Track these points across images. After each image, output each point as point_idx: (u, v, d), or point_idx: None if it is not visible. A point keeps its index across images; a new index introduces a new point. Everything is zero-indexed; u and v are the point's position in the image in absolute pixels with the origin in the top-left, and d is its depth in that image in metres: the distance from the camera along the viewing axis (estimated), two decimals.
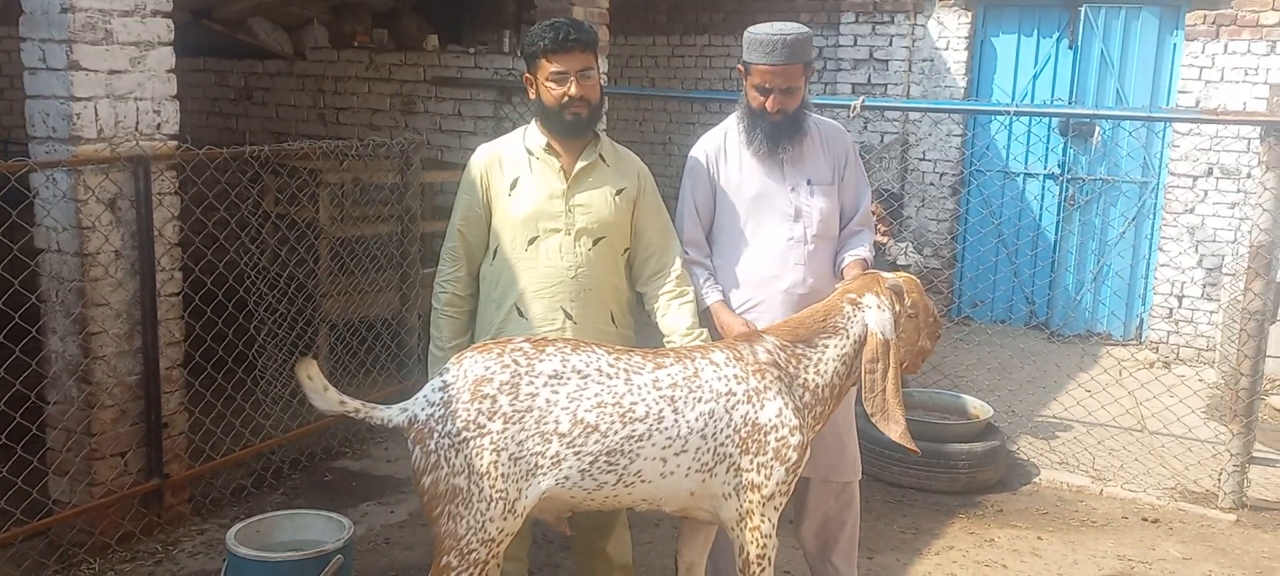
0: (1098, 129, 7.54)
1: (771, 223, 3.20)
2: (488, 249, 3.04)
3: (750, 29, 3.12)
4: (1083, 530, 4.39)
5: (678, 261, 3.07)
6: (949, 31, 7.88)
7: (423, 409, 2.56)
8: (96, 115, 3.56)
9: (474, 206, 3.01)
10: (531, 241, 2.95)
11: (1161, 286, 7.37)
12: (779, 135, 3.12)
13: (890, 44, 8.02)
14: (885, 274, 2.89)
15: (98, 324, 3.62)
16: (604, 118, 3.16)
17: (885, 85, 8.04)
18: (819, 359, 2.77)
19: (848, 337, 2.79)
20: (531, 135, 3.01)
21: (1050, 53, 7.72)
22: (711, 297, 3.28)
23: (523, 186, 2.96)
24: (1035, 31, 7.76)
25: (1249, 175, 7.03)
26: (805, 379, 2.75)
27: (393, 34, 7.01)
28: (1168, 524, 4.49)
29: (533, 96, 2.97)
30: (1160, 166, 7.46)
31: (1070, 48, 7.64)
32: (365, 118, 6.49)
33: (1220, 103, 6.98)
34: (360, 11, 7.91)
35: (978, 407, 5.15)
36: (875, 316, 2.78)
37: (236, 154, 3.95)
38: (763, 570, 2.70)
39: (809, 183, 3.21)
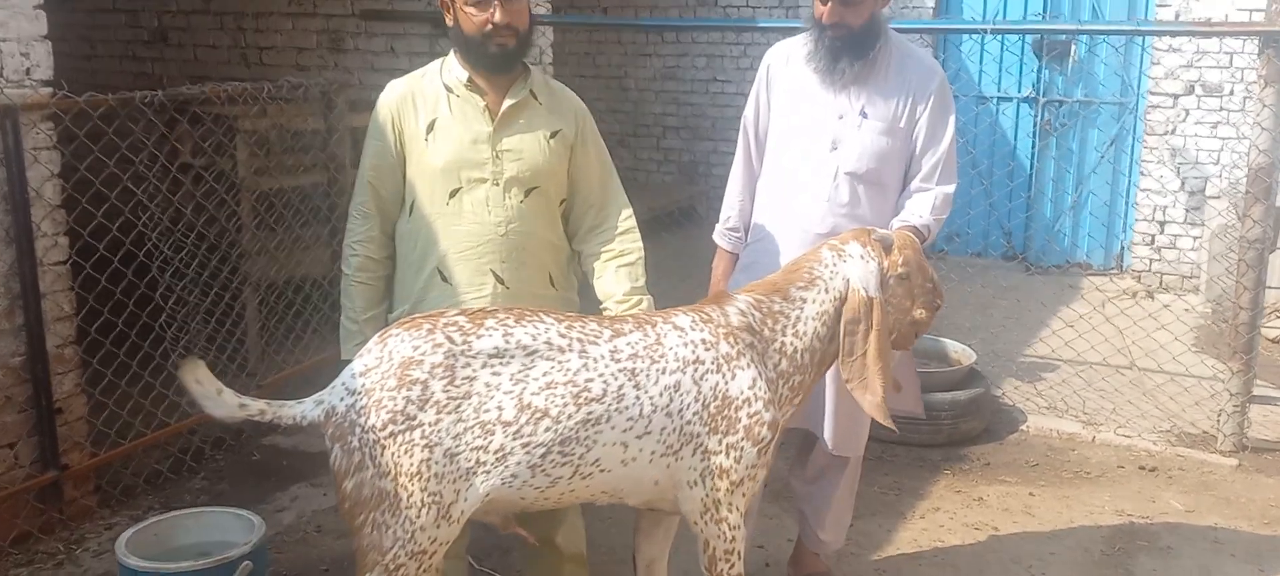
0: (1074, 48, 7.16)
1: (804, 147, 2.87)
2: (403, 204, 2.61)
3: None
4: (1077, 483, 4.09)
5: (622, 215, 2.67)
6: None
7: (341, 400, 2.15)
8: None
9: (385, 154, 2.57)
10: (453, 194, 2.53)
11: (1143, 212, 7.07)
12: (839, 52, 2.79)
13: None
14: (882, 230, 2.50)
15: None
16: (537, 48, 2.68)
17: None
18: (797, 316, 2.38)
19: (827, 292, 2.39)
20: (450, 69, 2.56)
21: None
22: (719, 237, 3.05)
23: (441, 129, 2.53)
24: None
25: (1231, 92, 6.70)
26: (782, 342, 2.36)
27: None
28: (1166, 471, 4.19)
29: (450, 23, 2.52)
30: (1139, 86, 7.11)
31: None
32: (291, 58, 5.96)
33: (1204, 16, 6.62)
34: None
35: (959, 352, 4.81)
36: (858, 268, 2.39)
37: (125, 100, 3.46)
38: (730, 567, 2.34)
39: (862, 113, 2.83)
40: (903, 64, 2.86)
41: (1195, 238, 6.91)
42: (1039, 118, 7.37)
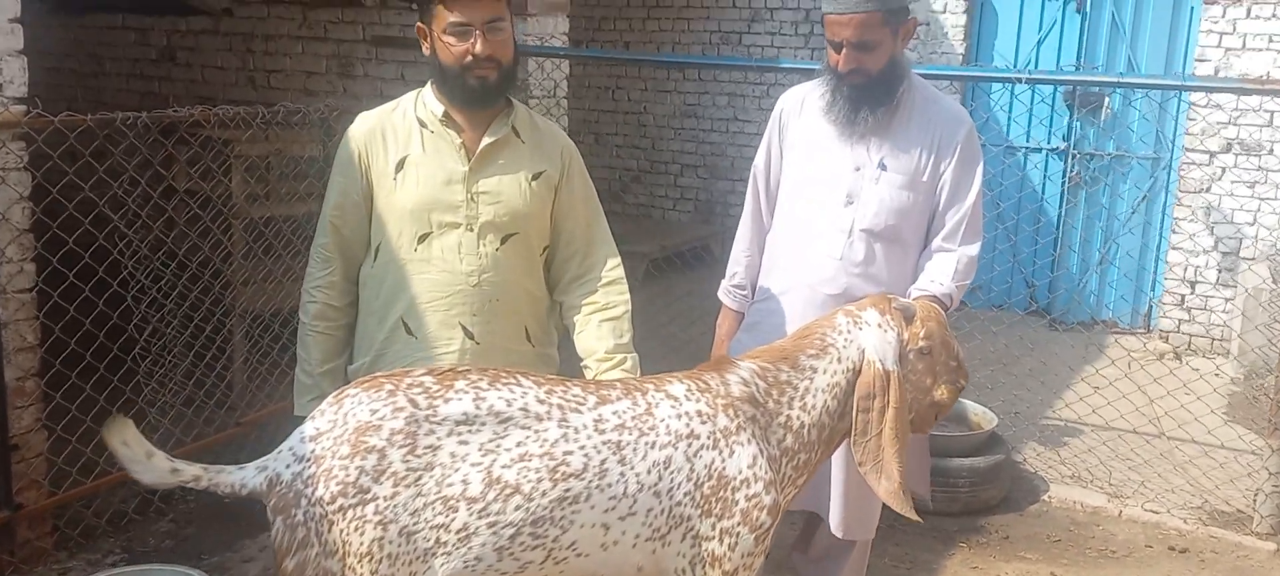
0: (1107, 100, 6.93)
1: (818, 200, 2.66)
2: (369, 247, 2.40)
3: None
4: (1102, 563, 3.82)
5: (608, 263, 2.46)
6: None
7: (287, 467, 1.93)
8: None
9: (350, 192, 2.37)
10: (423, 238, 2.33)
11: (1173, 271, 6.79)
12: (859, 102, 2.58)
13: None
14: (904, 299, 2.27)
15: None
16: (532, 78, 2.49)
17: None
18: (806, 388, 2.14)
19: (840, 362, 2.16)
20: (425, 102, 2.37)
21: (1056, 17, 7.09)
22: (724, 295, 2.86)
23: (412, 167, 2.33)
24: None
25: (1271, 151, 6.44)
26: (788, 416, 2.13)
27: None
28: (1198, 554, 3.91)
29: (427, 52, 2.33)
30: (1174, 141, 6.86)
31: (1078, 11, 7.01)
32: (299, 82, 5.81)
33: (1243, 71, 6.38)
34: None
35: (979, 415, 4.56)
36: (875, 338, 2.16)
37: (104, 121, 3.29)
38: None
39: (881, 165, 2.62)
40: (927, 111, 2.64)
41: (1228, 299, 6.63)
42: (1069, 169, 7.13)
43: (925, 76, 2.87)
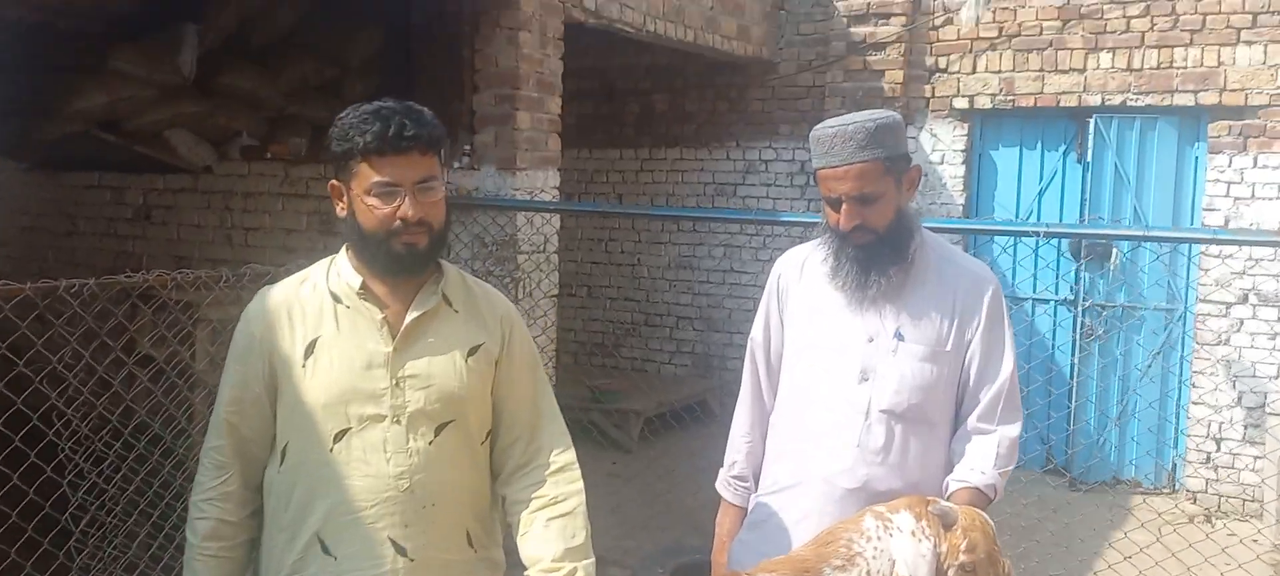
0: (1115, 251, 6.72)
1: (830, 379, 2.33)
2: (274, 448, 2.04)
3: (813, 135, 2.32)
4: None
5: (557, 449, 2.12)
6: (944, 144, 7.12)
7: None
8: None
9: (250, 383, 2.02)
10: (340, 435, 1.97)
11: (1195, 427, 6.46)
12: (868, 264, 2.28)
13: None
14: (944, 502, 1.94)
15: None
16: (450, 246, 2.18)
17: None
18: None
19: (869, 575, 1.82)
20: (340, 271, 2.04)
21: (1057, 167, 6.96)
22: (722, 487, 2.51)
23: (325, 351, 1.99)
24: (1038, 144, 7.01)
25: None
26: None
27: (314, 144, 6.14)
28: None
29: (342, 213, 2.02)
30: (1187, 292, 6.63)
31: (1079, 161, 6.88)
32: (279, 239, 5.60)
33: (1253, 220, 6.20)
34: (298, 123, 7.05)
35: None
36: (908, 548, 1.82)
37: (47, 291, 3.00)
38: None
39: (898, 334, 2.30)
40: (944, 271, 2.34)
41: (1257, 458, 6.27)
42: (1079, 321, 6.87)
43: (935, 231, 2.60)
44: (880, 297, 2.31)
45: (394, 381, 1.98)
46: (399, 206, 1.92)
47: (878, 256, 2.28)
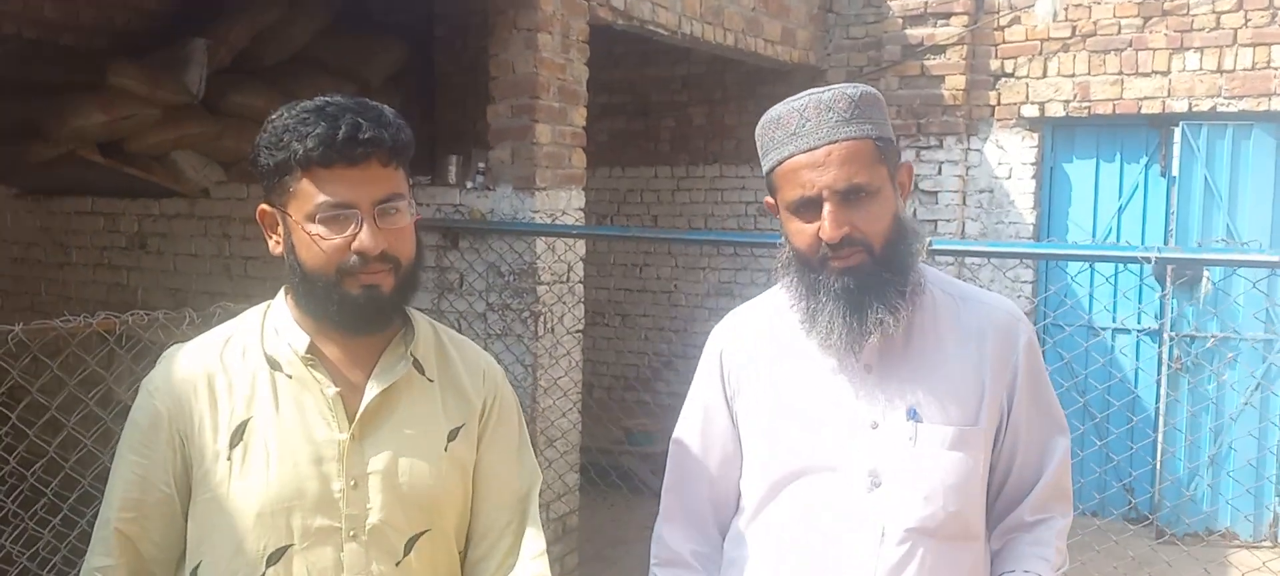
0: (1207, 275, 6.03)
1: (820, 497, 1.62)
2: (181, 569, 1.52)
3: (761, 119, 1.66)
4: None
5: (529, 545, 1.59)
6: (1011, 157, 6.47)
7: None
8: None
9: (153, 482, 1.50)
10: (278, 556, 1.45)
11: None
12: (866, 295, 1.57)
13: (939, 172, 6.59)
14: None
15: None
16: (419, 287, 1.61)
17: (934, 222, 6.59)
18: None
19: None
20: (279, 327, 1.53)
21: (1138, 181, 6.30)
22: None
23: (259, 439, 1.47)
24: (1117, 156, 6.35)
25: None
26: None
27: None
28: None
29: (278, 250, 1.51)
30: None
31: (1163, 175, 6.22)
32: (277, 269, 5.09)
33: None
34: None
35: None
36: None
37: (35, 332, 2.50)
38: None
39: (913, 414, 1.62)
40: (958, 312, 1.67)
41: None
42: (1166, 353, 6.17)
43: (999, 255, 1.90)
44: (878, 363, 1.63)
45: (351, 482, 1.46)
46: (354, 236, 1.42)
47: (875, 285, 1.58)
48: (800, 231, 1.59)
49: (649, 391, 7.94)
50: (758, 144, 1.66)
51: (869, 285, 1.58)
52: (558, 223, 4.62)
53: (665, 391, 7.96)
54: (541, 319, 4.48)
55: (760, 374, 1.71)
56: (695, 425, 1.78)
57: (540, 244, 4.50)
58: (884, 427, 1.61)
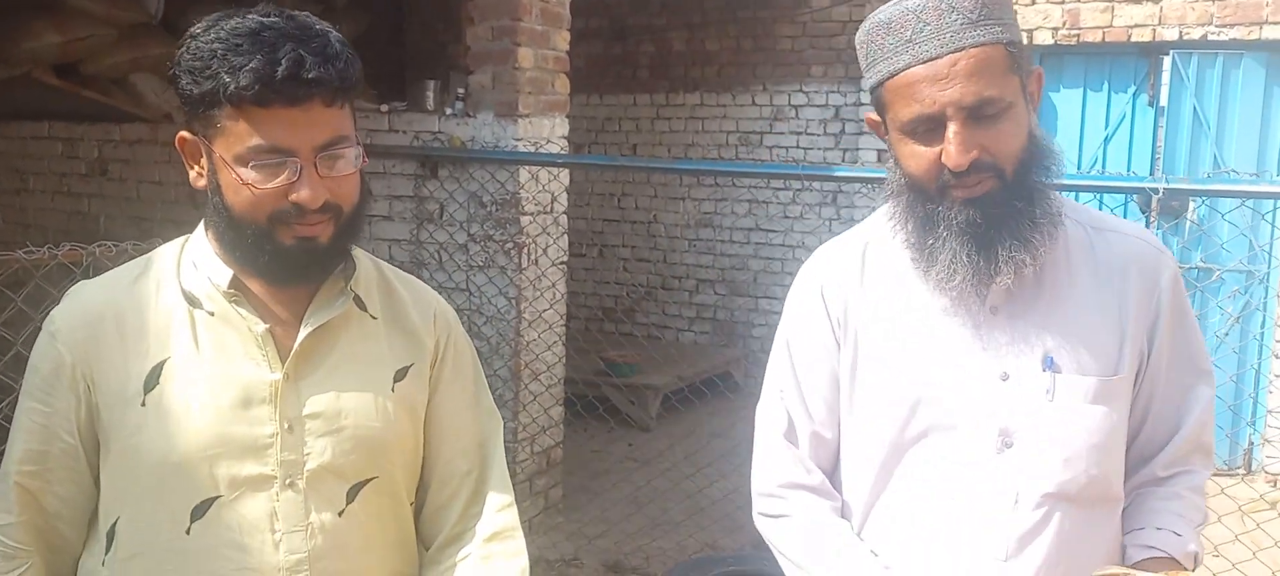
0: (1192, 205, 6.00)
1: (945, 453, 1.46)
2: (95, 530, 1.39)
3: (864, 24, 1.47)
4: None
5: (495, 501, 1.48)
6: None
7: None
8: None
9: (57, 431, 1.35)
10: (203, 509, 1.31)
11: (1276, 402, 5.80)
12: (997, 229, 1.39)
13: None
14: None
15: None
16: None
17: None
18: None
19: None
20: (197, 261, 1.37)
21: (1125, 111, 6.22)
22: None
23: (178, 382, 1.32)
24: (1105, 85, 6.26)
25: None
26: None
27: None
28: None
29: (200, 183, 1.33)
30: (1270, 251, 5.92)
31: (1151, 104, 6.15)
32: None
33: None
34: None
35: None
36: None
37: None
38: None
39: (1050, 362, 1.44)
40: (1095, 245, 1.50)
41: None
42: None
43: None
44: (1009, 304, 1.46)
45: (286, 425, 1.32)
46: (290, 184, 1.25)
47: (1006, 216, 1.39)
48: (916, 155, 1.39)
49: (626, 323, 7.85)
50: (860, 54, 1.48)
51: (999, 217, 1.39)
52: (541, 151, 4.47)
53: (643, 322, 7.89)
54: (526, 250, 4.35)
55: (868, 309, 1.53)
56: (805, 377, 1.56)
57: (524, 173, 4.35)
58: (1016, 379, 1.43)
